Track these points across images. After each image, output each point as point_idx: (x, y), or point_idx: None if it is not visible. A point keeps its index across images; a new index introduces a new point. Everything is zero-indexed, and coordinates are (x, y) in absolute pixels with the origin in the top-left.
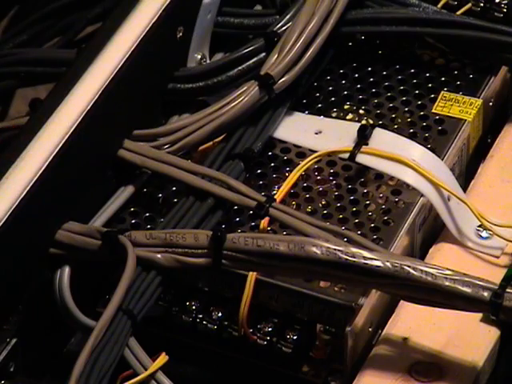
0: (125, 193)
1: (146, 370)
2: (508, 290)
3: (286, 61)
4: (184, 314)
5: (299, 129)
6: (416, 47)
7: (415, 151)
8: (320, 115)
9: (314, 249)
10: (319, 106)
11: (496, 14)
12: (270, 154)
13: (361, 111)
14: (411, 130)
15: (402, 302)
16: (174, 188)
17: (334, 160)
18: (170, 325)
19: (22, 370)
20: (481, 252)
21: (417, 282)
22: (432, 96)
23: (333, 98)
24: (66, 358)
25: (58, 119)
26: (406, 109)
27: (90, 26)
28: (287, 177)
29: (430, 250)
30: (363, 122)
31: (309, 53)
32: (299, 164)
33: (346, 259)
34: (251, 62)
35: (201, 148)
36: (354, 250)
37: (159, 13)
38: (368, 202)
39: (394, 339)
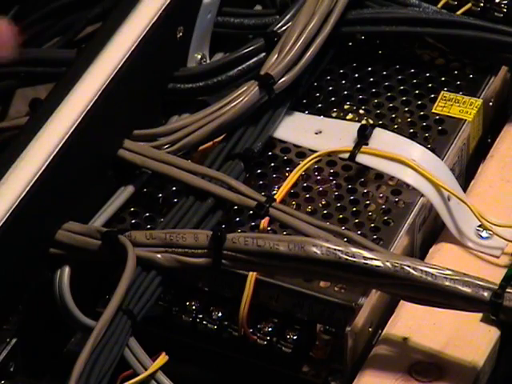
0: (125, 193)
1: (146, 369)
2: (508, 290)
3: (286, 61)
4: (184, 313)
5: (299, 129)
6: (416, 47)
7: (415, 151)
8: (320, 115)
9: (314, 249)
10: (319, 105)
11: (496, 13)
12: (269, 154)
13: (361, 111)
14: (411, 130)
15: (401, 301)
16: (174, 188)
17: (334, 160)
18: (170, 325)
19: (22, 369)
20: (481, 252)
21: (417, 282)
22: (432, 96)
23: (333, 98)
24: (66, 358)
25: (57, 119)
26: (406, 109)
27: (90, 25)
28: (287, 177)
29: (430, 250)
30: (363, 121)
31: (309, 53)
32: (299, 164)
33: (346, 259)
34: (251, 61)
35: (201, 148)
36: (354, 250)
37: (159, 13)
38: (368, 202)
39: (394, 339)
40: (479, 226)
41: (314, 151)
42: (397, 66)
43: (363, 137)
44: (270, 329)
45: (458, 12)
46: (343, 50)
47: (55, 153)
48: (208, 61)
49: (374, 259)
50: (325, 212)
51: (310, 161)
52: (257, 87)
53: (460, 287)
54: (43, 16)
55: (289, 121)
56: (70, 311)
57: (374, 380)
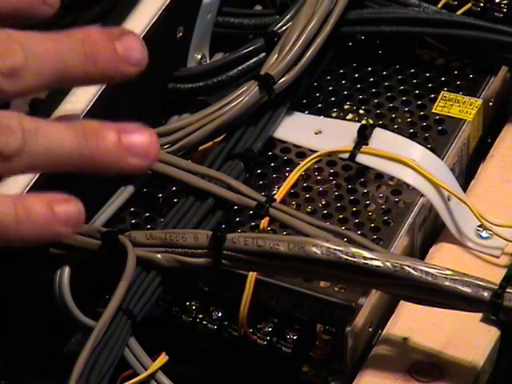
0: (125, 193)
1: (146, 369)
2: (508, 290)
3: (286, 61)
4: (184, 313)
5: (299, 129)
6: (416, 47)
7: (415, 151)
8: (320, 115)
9: (314, 249)
10: (319, 105)
11: (496, 13)
12: (269, 153)
13: (361, 111)
14: (411, 130)
15: (401, 301)
16: (174, 188)
17: (334, 160)
18: (170, 325)
19: (22, 370)
20: (481, 252)
21: (417, 282)
22: (432, 96)
23: (333, 98)
24: (66, 358)
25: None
26: (406, 109)
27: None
28: (287, 177)
29: (430, 250)
30: (363, 121)
31: (309, 53)
32: (299, 164)
33: (346, 259)
34: (251, 61)
35: (201, 148)
36: (354, 250)
37: (159, 13)
38: (368, 202)
39: (394, 339)
40: (479, 226)
41: (314, 151)
42: (397, 66)
43: (363, 137)
44: (270, 329)
45: (458, 12)
46: (343, 50)
47: None
48: (208, 61)
49: (374, 259)
50: (325, 212)
51: (310, 161)
52: (257, 87)
53: (460, 287)
54: None
55: (289, 121)
56: (70, 311)
57: (374, 380)
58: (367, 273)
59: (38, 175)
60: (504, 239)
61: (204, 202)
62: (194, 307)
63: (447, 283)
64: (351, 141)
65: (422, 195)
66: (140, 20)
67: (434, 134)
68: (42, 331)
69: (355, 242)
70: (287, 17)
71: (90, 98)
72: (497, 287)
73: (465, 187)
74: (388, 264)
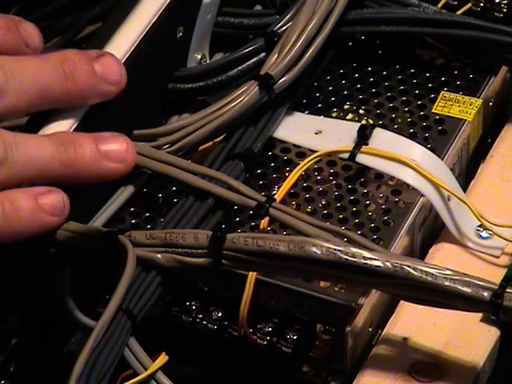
0: (125, 193)
1: (145, 370)
2: (508, 290)
3: (286, 61)
4: (184, 313)
5: (299, 129)
6: (416, 47)
7: (415, 151)
8: (320, 115)
9: (314, 249)
10: (319, 105)
11: (496, 13)
12: (269, 153)
13: (361, 111)
14: (411, 130)
15: (401, 301)
16: (174, 188)
17: (334, 160)
18: (170, 325)
19: (22, 369)
20: (481, 252)
21: (417, 282)
22: (432, 96)
23: (333, 98)
24: (66, 358)
25: (58, 119)
26: (406, 109)
27: (90, 25)
28: (287, 177)
29: (430, 250)
30: (363, 122)
31: (309, 53)
32: (299, 164)
33: (346, 259)
34: (251, 61)
35: (201, 148)
36: (354, 250)
37: (159, 13)
38: (368, 202)
39: (394, 339)
40: (479, 226)
41: (314, 151)
42: (397, 66)
43: (363, 137)
44: (269, 329)
45: (458, 12)
46: (343, 50)
47: None
48: (208, 61)
49: (374, 259)
50: (325, 212)
51: (310, 161)
52: (257, 87)
53: (460, 287)
54: (43, 16)
55: (289, 121)
56: (69, 311)
57: (374, 380)
58: (367, 273)
59: None
60: (504, 239)
61: (204, 202)
62: (193, 307)
63: (447, 283)
64: (351, 141)
65: (422, 195)
66: (140, 20)
67: (434, 134)
68: (42, 331)
69: (355, 242)
70: (287, 17)
71: None
72: (497, 287)
73: (465, 187)
74: (388, 264)
